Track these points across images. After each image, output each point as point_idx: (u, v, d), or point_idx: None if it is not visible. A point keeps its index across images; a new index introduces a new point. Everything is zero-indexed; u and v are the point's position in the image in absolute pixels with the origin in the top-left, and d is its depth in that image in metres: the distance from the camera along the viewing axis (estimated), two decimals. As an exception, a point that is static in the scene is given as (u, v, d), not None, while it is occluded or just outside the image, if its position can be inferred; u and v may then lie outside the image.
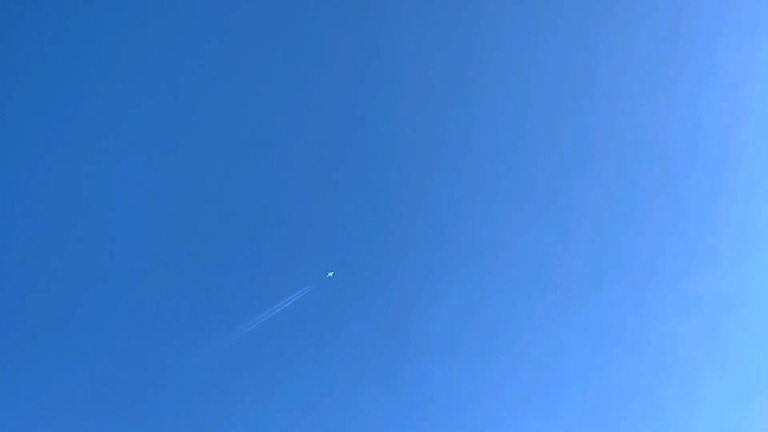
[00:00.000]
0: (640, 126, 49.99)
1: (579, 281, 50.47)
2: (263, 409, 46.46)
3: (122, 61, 44.74)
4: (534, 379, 49.74)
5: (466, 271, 50.49)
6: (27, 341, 42.86)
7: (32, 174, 43.56)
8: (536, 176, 50.50)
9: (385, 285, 49.54)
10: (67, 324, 43.82)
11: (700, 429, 48.66)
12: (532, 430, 48.73)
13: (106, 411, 43.36)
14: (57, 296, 43.80)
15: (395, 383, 48.68)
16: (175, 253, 46.13)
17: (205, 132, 46.97)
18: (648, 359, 49.89)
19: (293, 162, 48.59)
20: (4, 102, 42.31)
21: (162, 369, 44.41)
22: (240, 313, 46.16)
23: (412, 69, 49.54)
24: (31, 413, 42.09)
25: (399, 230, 50.02)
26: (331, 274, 47.79)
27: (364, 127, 49.56)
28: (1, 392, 42.02)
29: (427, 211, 50.18)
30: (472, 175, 50.50)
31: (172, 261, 46.01)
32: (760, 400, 48.66)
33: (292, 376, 47.37)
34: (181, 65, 45.92)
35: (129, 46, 44.81)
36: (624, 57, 49.40)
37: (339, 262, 48.21)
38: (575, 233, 50.57)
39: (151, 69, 45.20)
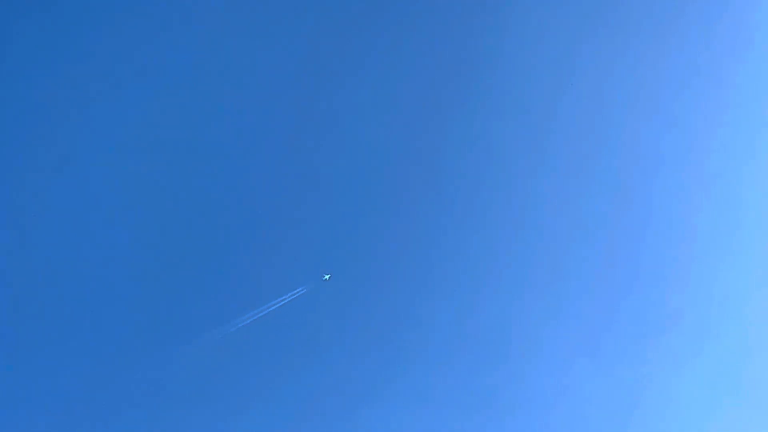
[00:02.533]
0: (634, 130, 50.81)
1: (570, 285, 50.94)
2: (251, 407, 46.31)
3: (115, 59, 45.13)
4: (529, 382, 49.87)
5: (460, 275, 50.73)
6: (18, 337, 43.30)
7: (30, 173, 44.17)
8: (530, 182, 50.98)
9: (380, 288, 49.70)
10: (59, 321, 43.86)
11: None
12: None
13: (92, 408, 43.17)
14: (52, 293, 44.07)
15: (389, 386, 48.84)
16: (169, 249, 46.21)
17: (200, 131, 47.19)
18: (639, 361, 50.15)
19: (293, 162, 48.91)
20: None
21: (149, 365, 44.51)
22: (232, 310, 46.09)
23: (409, 70, 50.09)
24: (20, 409, 42.35)
25: (396, 233, 50.19)
26: (327, 276, 47.78)
27: (361, 130, 49.91)
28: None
29: (423, 214, 50.56)
30: (467, 178, 50.95)
31: (165, 257, 46.07)
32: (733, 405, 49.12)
33: (282, 375, 47.27)
34: (176, 65, 46.42)
35: (121, 44, 45.13)
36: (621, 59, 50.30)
37: (335, 265, 48.41)
38: (568, 236, 50.94)
39: (149, 69, 45.84)
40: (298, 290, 47.09)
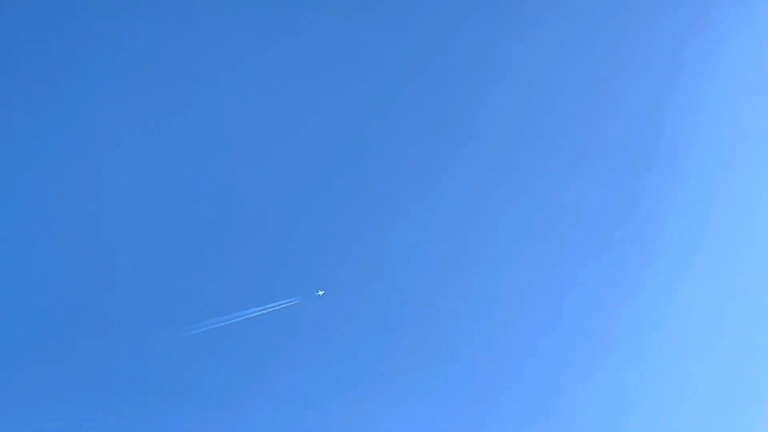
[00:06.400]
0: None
1: (569, 285, 50.62)
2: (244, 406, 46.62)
3: (118, 58, 44.97)
4: (529, 381, 49.79)
5: (461, 275, 50.74)
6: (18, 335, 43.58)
7: (34, 173, 44.52)
8: (529, 181, 50.80)
9: (381, 289, 49.73)
10: (49, 318, 44.02)
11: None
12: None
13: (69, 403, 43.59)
14: (45, 289, 44.40)
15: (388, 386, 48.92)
16: (161, 248, 46.40)
17: (195, 135, 47.18)
18: (640, 358, 49.36)
19: (292, 162, 49.18)
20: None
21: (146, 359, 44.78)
22: (223, 310, 46.04)
23: (409, 72, 49.57)
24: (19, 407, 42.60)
25: (396, 235, 50.35)
26: (321, 292, 47.36)
27: (362, 132, 50.11)
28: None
29: (423, 216, 50.13)
30: (467, 180, 51.07)
31: (157, 255, 46.20)
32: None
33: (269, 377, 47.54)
34: (175, 65, 46.42)
35: (125, 43, 44.93)
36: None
37: (335, 267, 48.08)
38: (569, 233, 50.82)
39: (145, 68, 45.82)
40: (291, 300, 47.18)
